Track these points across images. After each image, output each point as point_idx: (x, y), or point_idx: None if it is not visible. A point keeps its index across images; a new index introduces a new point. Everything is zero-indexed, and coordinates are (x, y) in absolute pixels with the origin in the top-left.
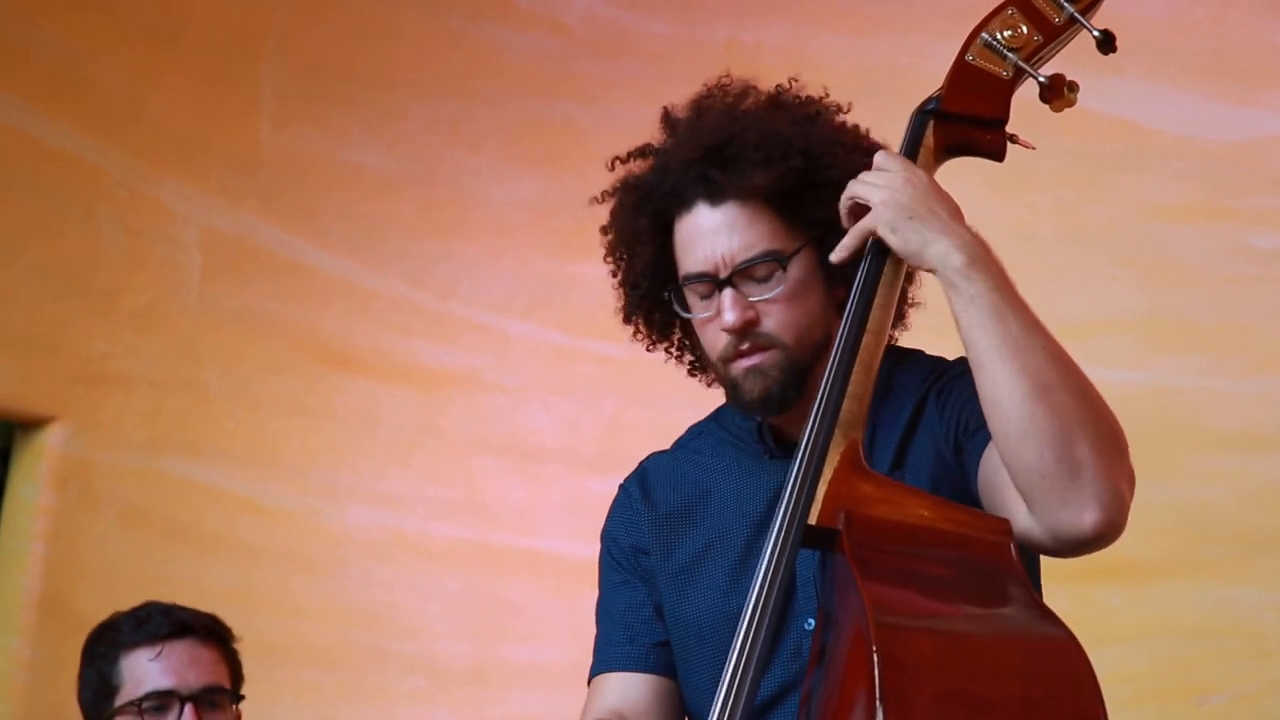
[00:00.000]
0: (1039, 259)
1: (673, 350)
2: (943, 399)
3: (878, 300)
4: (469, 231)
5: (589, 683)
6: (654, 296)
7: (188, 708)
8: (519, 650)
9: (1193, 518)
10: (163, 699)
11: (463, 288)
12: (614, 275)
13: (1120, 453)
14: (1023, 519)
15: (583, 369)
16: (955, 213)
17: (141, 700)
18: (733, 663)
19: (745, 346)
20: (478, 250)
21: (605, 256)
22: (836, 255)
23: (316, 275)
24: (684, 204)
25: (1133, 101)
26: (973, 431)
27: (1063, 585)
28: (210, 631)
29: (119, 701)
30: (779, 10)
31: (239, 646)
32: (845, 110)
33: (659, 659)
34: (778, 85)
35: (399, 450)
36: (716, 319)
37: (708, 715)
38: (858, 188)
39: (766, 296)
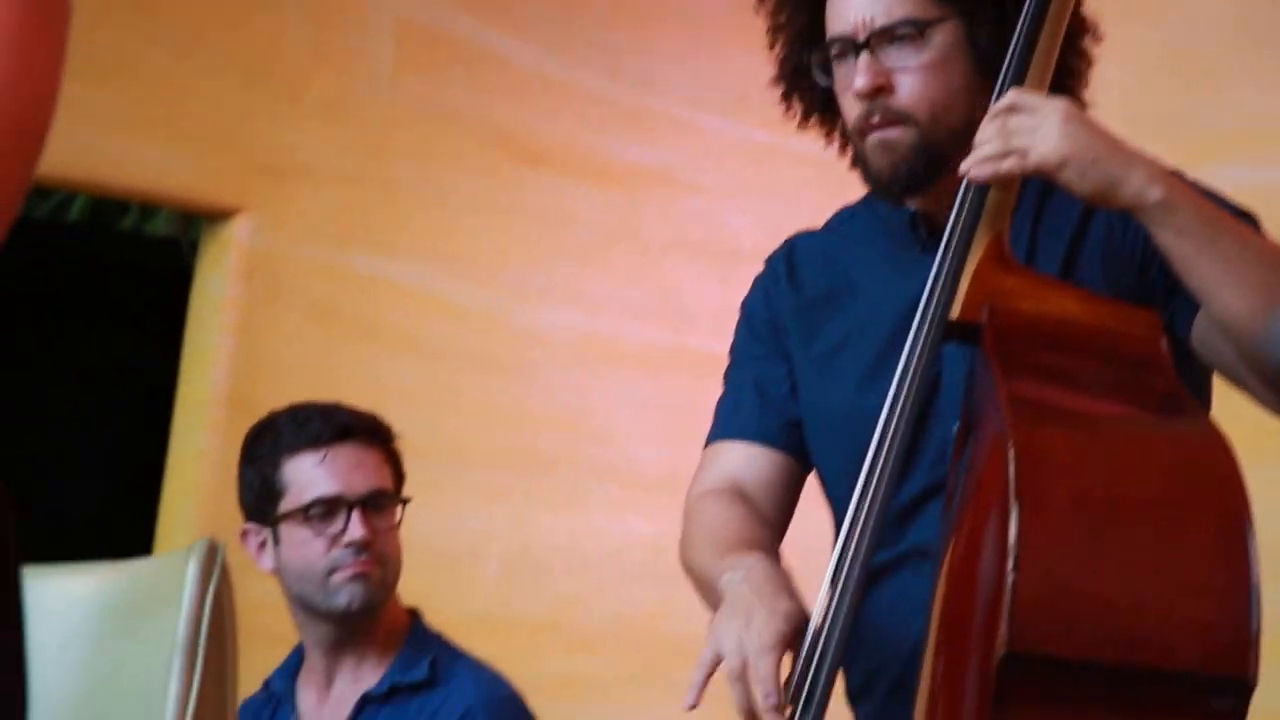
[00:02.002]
0: (1247, 55)
1: (827, 132)
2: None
3: (1031, 75)
4: (667, 22)
5: (705, 448)
6: (804, 67)
7: (355, 512)
8: None
9: None
10: (330, 504)
11: (661, 82)
12: (770, 48)
13: None
14: (1260, 395)
15: (782, 169)
16: (1123, 142)
17: (308, 506)
18: (870, 459)
19: (876, 118)
20: (677, 41)
21: (767, 29)
22: (979, 170)
23: (510, 67)
24: None
25: None
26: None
27: None
28: (373, 433)
29: (284, 507)
30: None
31: (418, 447)
32: None
33: (790, 438)
34: None
35: (593, 250)
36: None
37: (843, 509)
38: (1015, 140)
39: (902, 64)
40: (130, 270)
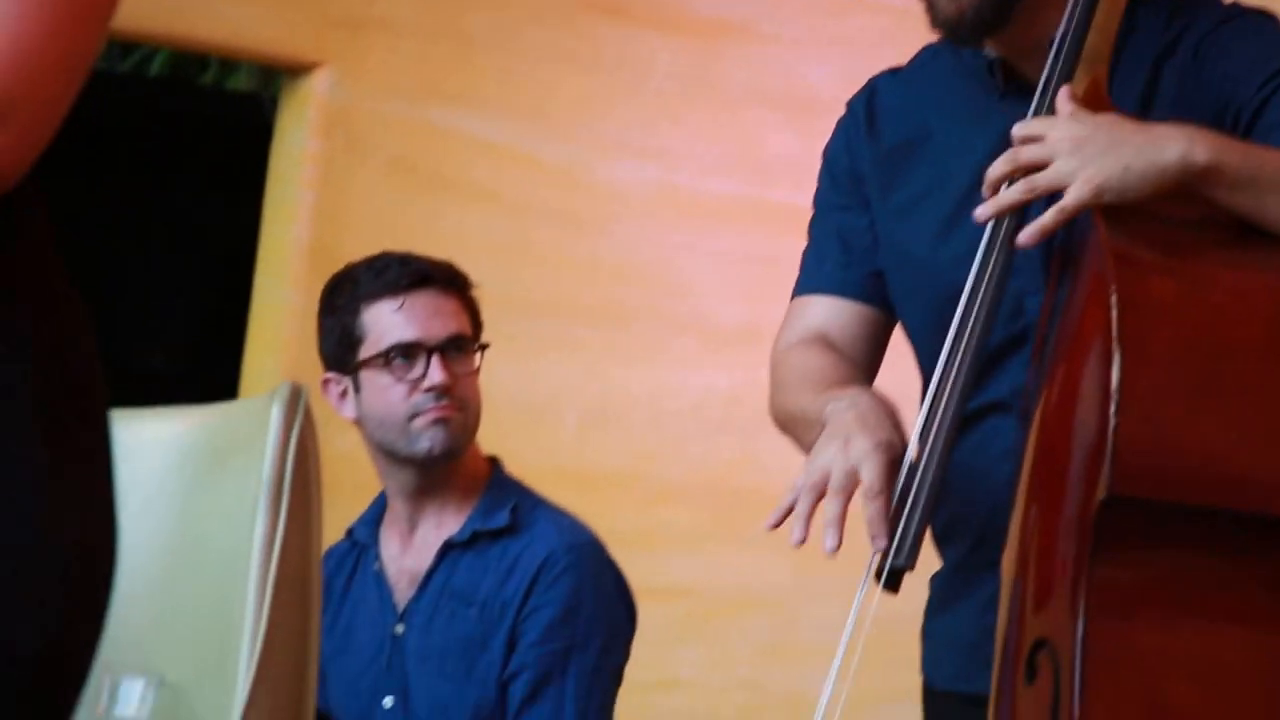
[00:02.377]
0: None
1: None
2: (1205, 48)
3: None
4: None
5: (791, 301)
6: None
7: (434, 358)
8: None
9: None
10: (409, 349)
11: None
12: None
13: None
14: None
15: (861, 19)
16: (1143, 123)
17: (388, 351)
18: (963, 307)
19: None
20: None
21: None
22: (1027, 238)
23: None
24: None
25: None
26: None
27: None
28: (450, 280)
29: (364, 353)
30: None
31: (497, 300)
32: None
33: (874, 289)
34: None
35: (671, 103)
36: None
37: (928, 359)
38: (1042, 178)
39: None
40: (211, 125)
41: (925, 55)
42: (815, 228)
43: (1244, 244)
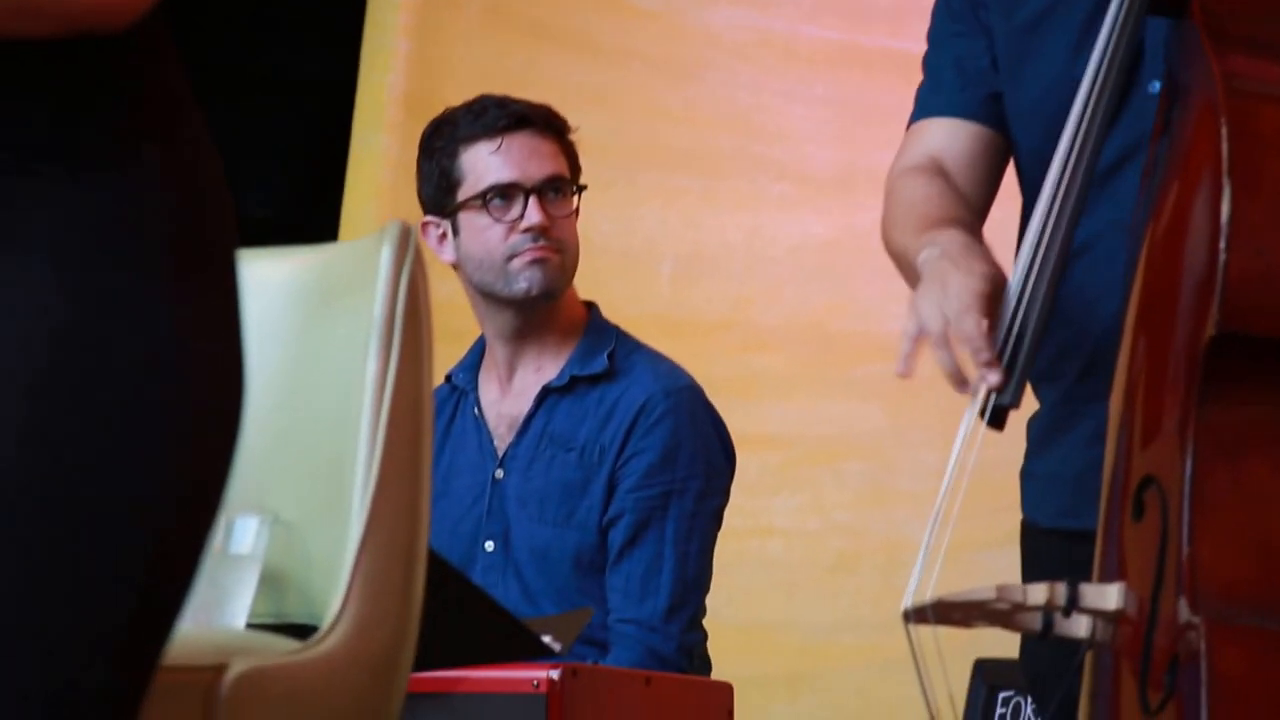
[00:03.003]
0: None
1: None
2: None
3: None
4: None
5: (908, 129)
6: None
7: (532, 199)
8: (887, 156)
9: None
10: (506, 190)
11: None
12: None
13: None
14: None
15: None
16: None
17: (486, 192)
18: (1072, 127)
19: None
20: None
21: None
22: None
23: None
24: None
25: None
26: None
27: None
28: (548, 123)
29: (462, 195)
30: None
31: (593, 148)
32: None
33: (991, 111)
34: None
35: None
36: None
37: (1037, 186)
38: None
39: None
40: None
41: None
42: (929, 60)
43: None
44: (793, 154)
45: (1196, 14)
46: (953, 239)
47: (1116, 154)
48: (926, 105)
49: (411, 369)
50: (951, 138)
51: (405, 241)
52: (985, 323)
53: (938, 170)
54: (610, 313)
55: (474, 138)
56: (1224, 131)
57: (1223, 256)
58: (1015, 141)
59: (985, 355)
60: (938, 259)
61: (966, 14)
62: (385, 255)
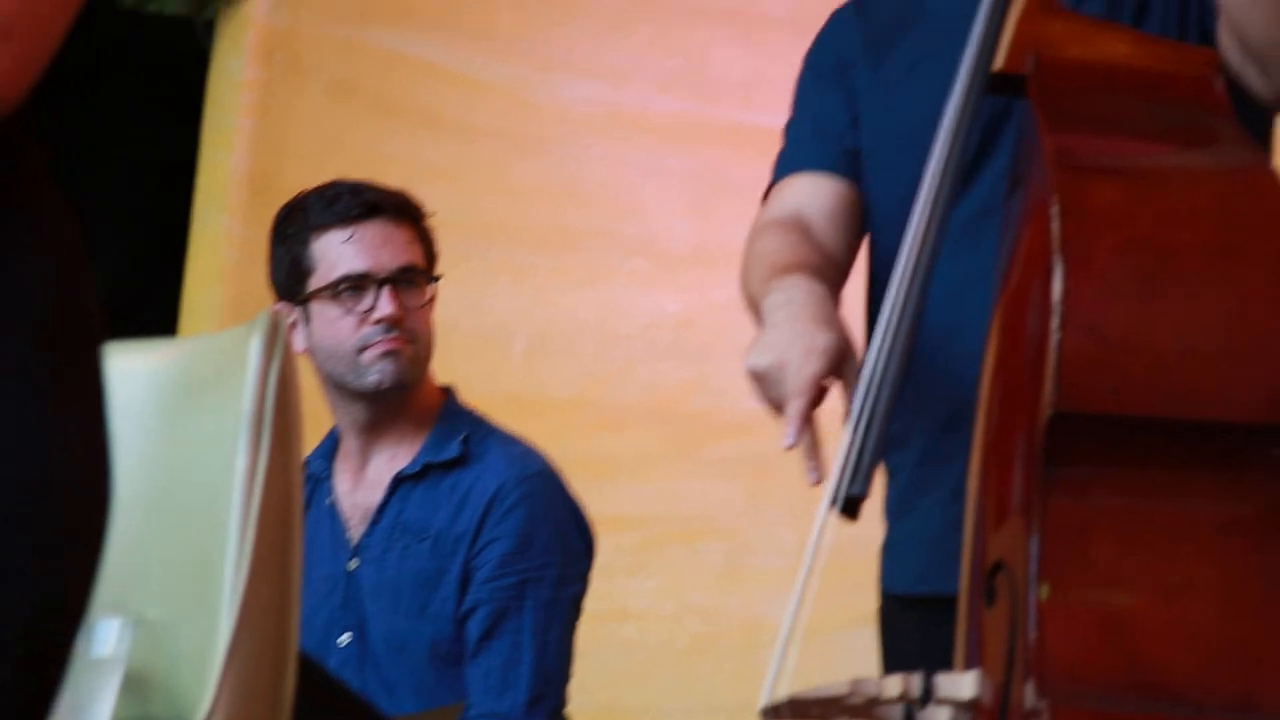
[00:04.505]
0: None
1: None
2: None
3: None
4: None
5: (766, 194)
6: None
7: (384, 289)
8: (741, 231)
9: None
10: (358, 281)
11: None
12: None
13: None
14: (1251, 81)
15: None
16: None
17: (337, 283)
18: (924, 196)
19: None
20: None
21: None
22: None
23: None
24: None
25: None
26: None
27: None
28: (402, 210)
29: (313, 284)
30: None
31: (442, 225)
32: None
33: (850, 164)
34: None
35: (618, 20)
36: None
37: (895, 237)
38: None
39: None
40: (143, 51)
41: None
42: (791, 122)
43: (1191, 142)
44: (645, 229)
45: (1033, 93)
46: (799, 285)
47: (977, 209)
48: (788, 163)
49: (281, 464)
50: (812, 193)
51: (275, 333)
52: (815, 398)
53: (798, 224)
54: (463, 393)
55: (326, 225)
56: (1055, 209)
57: (1055, 335)
58: (872, 195)
59: (816, 454)
60: (782, 308)
61: (830, 73)
62: (254, 347)
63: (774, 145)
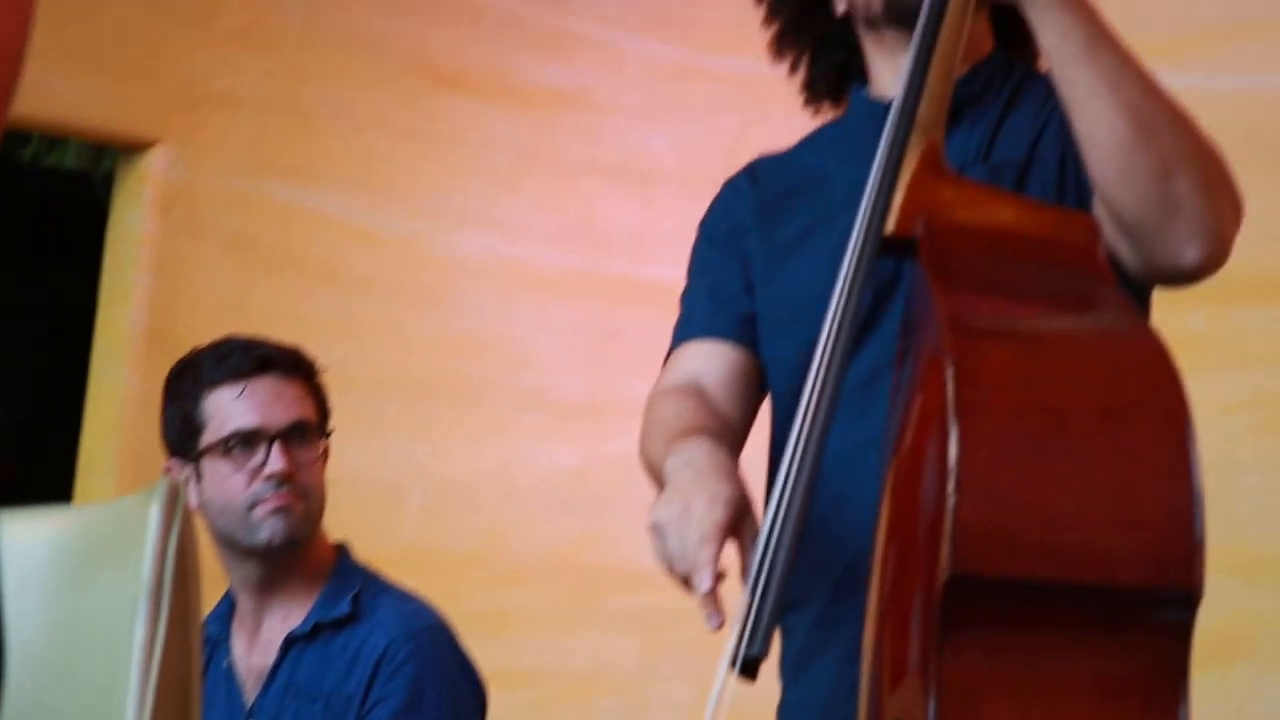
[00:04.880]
0: None
1: (806, 48)
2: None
3: None
4: None
5: (665, 361)
6: None
7: (275, 445)
8: (636, 383)
9: None
10: (249, 437)
11: (577, 1)
12: None
13: (1221, 184)
14: (1124, 253)
15: (701, 87)
16: None
17: (228, 439)
18: (818, 357)
19: None
20: None
21: None
22: None
23: None
24: None
25: None
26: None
27: (1198, 303)
28: (294, 365)
29: (205, 441)
30: None
31: (339, 378)
32: None
33: (745, 332)
34: None
35: (510, 174)
36: None
37: (791, 400)
38: None
39: None
40: (39, 205)
41: (812, 133)
42: (686, 291)
43: (1078, 307)
44: (540, 382)
45: (924, 256)
46: (699, 448)
47: (868, 372)
48: (684, 330)
49: (180, 635)
50: (708, 360)
51: (174, 501)
52: (718, 556)
53: (694, 390)
54: (358, 547)
55: (217, 382)
56: (950, 372)
57: (952, 498)
58: (768, 361)
59: (706, 587)
60: (684, 468)
61: (724, 241)
62: (154, 515)
63: (665, 298)
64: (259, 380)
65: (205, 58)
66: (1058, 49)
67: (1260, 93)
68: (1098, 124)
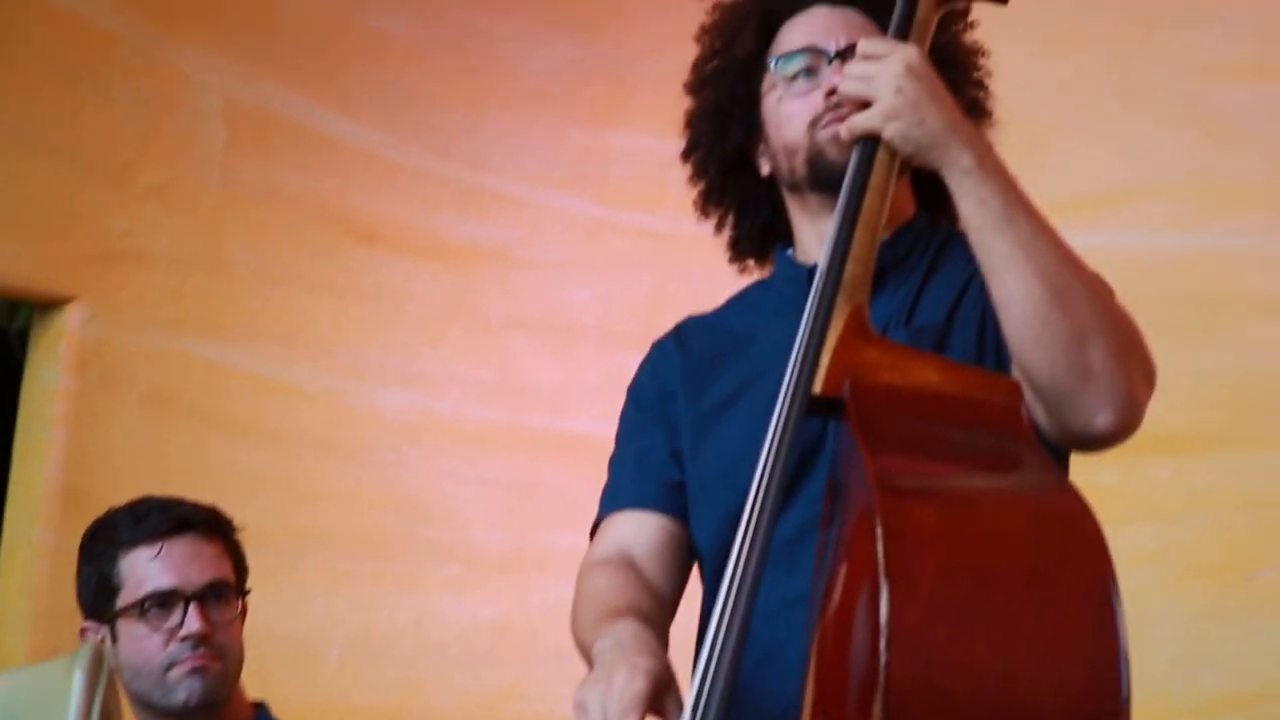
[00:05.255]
0: (1087, 120)
1: (732, 208)
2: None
3: (879, 157)
4: (500, 101)
5: (592, 531)
6: (738, 99)
7: (192, 606)
8: (556, 536)
9: (1245, 386)
10: (165, 598)
11: (494, 159)
12: (693, 92)
13: (1134, 351)
14: (1039, 417)
15: (619, 243)
16: (955, 105)
17: (144, 600)
18: (745, 518)
19: (844, 111)
20: (509, 120)
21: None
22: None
23: (342, 147)
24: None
25: None
26: None
27: (1109, 459)
28: (211, 525)
29: (120, 602)
30: None
31: (259, 533)
32: None
33: (673, 500)
34: None
35: (430, 329)
36: (814, 91)
37: (720, 563)
38: (850, 85)
39: None
40: None
41: (737, 294)
42: (614, 457)
43: (1002, 467)
44: (460, 536)
45: (852, 416)
46: (626, 629)
47: (794, 531)
48: (613, 500)
49: None
50: (637, 529)
51: (98, 666)
52: None
53: (625, 562)
54: (276, 703)
55: (134, 543)
56: (879, 531)
57: (883, 657)
58: (699, 520)
59: None
60: (610, 648)
61: (653, 406)
62: (77, 681)
63: (585, 450)
64: (175, 541)
65: (122, 215)
66: (975, 217)
67: (1158, 252)
68: (1014, 291)
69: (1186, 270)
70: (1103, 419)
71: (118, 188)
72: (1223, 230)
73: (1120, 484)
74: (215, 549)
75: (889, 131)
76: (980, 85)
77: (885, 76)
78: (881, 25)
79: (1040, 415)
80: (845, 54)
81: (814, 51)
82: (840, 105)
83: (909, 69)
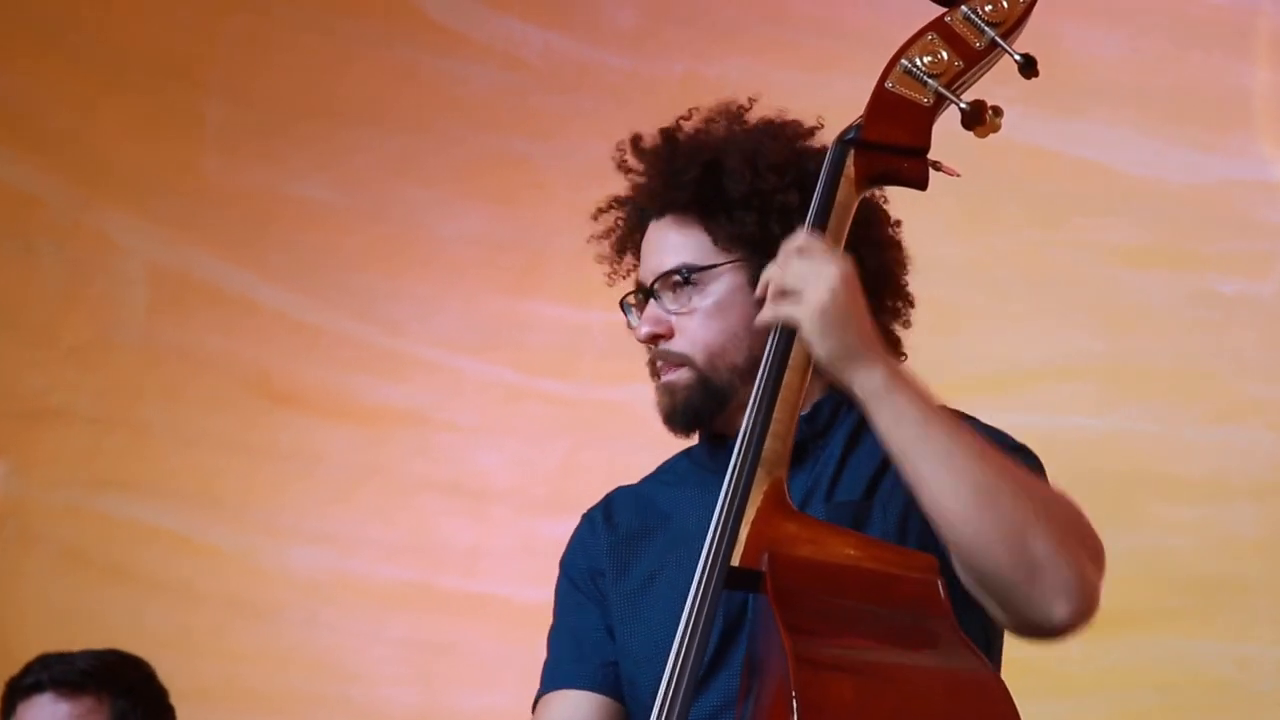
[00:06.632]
0: (998, 302)
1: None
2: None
3: (799, 339)
4: (418, 267)
5: (534, 705)
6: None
7: None
8: (468, 697)
9: (1152, 567)
10: None
11: (411, 324)
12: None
13: (1076, 534)
14: (994, 614)
15: (534, 408)
16: (873, 326)
17: None
18: (660, 692)
19: (660, 363)
20: (427, 287)
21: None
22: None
23: (262, 310)
24: (645, 220)
25: (1095, 143)
26: None
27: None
28: (75, 684)
29: None
30: (737, 45)
31: (169, 690)
32: (806, 132)
33: (608, 679)
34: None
35: (343, 490)
36: (641, 330)
37: None
38: (783, 277)
39: (680, 310)
40: None
41: (663, 467)
42: (552, 634)
43: (917, 642)
44: (370, 695)
45: (769, 591)
46: None
47: (715, 706)
48: (552, 678)
49: None
50: (574, 710)
51: None
52: None
53: None
54: None
55: (30, 691)
56: (795, 705)
57: None
58: (630, 698)
59: None
60: None
61: (585, 583)
62: None
63: (498, 611)
64: (34, 700)
65: (42, 374)
66: (892, 432)
67: (1067, 433)
68: (940, 498)
69: (1094, 452)
70: (1060, 609)
71: (39, 347)
72: (1131, 413)
73: (1030, 660)
74: (81, 708)
75: (808, 335)
76: (895, 246)
77: (816, 282)
78: (708, 227)
79: (998, 614)
80: (659, 284)
81: (639, 289)
82: (657, 359)
83: (839, 281)
